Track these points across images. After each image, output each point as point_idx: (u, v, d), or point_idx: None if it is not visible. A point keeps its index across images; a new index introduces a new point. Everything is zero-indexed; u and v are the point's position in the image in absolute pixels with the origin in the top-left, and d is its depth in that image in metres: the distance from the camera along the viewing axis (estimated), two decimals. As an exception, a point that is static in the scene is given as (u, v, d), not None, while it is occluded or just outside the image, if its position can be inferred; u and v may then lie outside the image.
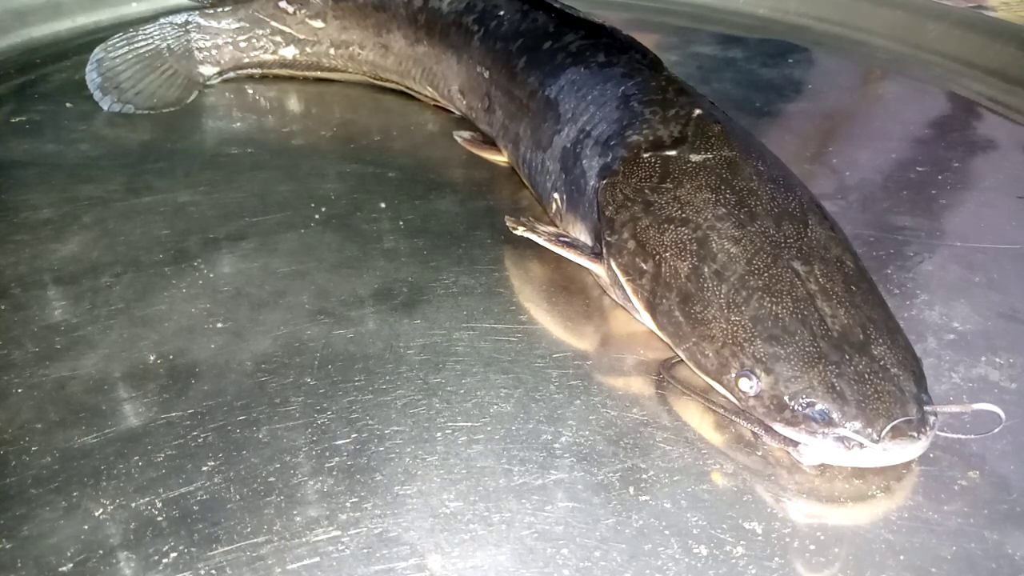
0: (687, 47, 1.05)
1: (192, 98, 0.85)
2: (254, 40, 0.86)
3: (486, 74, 0.72)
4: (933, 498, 0.43)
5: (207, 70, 0.87)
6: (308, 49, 0.87)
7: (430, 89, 0.81)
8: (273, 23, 0.85)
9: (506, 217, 0.58)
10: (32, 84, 0.88)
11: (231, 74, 0.89)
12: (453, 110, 0.82)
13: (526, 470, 0.44)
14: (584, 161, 0.57)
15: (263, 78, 0.91)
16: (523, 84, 0.67)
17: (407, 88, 0.85)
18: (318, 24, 0.85)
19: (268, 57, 0.87)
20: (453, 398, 0.48)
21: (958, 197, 0.72)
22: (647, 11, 1.17)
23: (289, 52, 0.86)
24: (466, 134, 0.76)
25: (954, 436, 0.45)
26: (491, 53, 0.72)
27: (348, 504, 0.42)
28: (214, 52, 0.86)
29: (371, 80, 0.88)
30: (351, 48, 0.86)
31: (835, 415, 0.41)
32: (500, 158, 0.72)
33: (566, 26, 0.68)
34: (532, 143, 0.64)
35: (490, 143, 0.74)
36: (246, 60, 0.88)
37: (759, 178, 0.51)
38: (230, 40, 0.86)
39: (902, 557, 0.40)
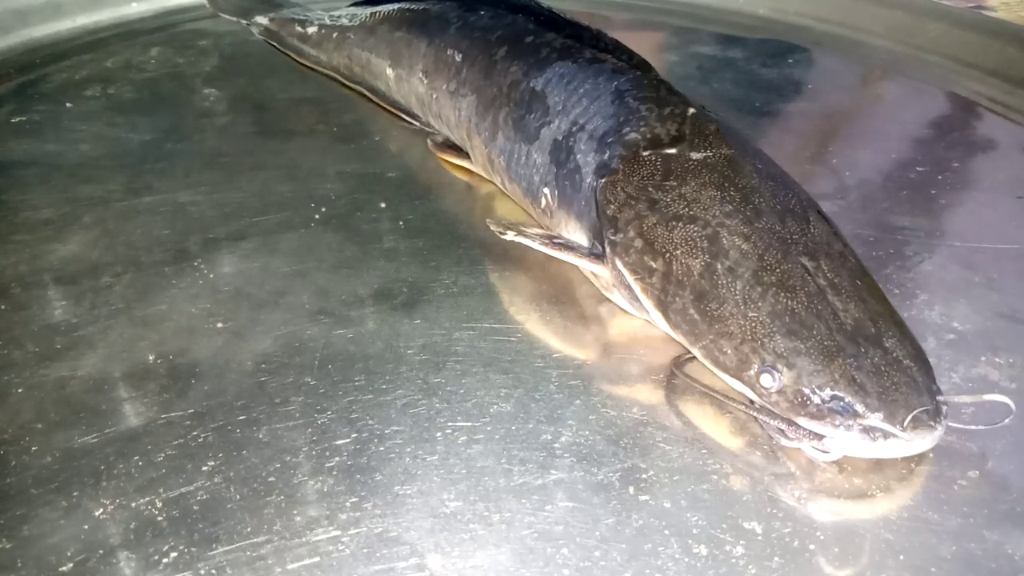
0: (687, 47, 1.05)
1: (231, 17, 1.05)
2: (297, 20, 0.97)
3: (458, 57, 0.71)
4: (933, 498, 0.43)
5: (260, 19, 1.01)
6: (322, 31, 0.91)
7: (390, 70, 0.80)
8: (318, 13, 0.96)
9: (488, 221, 0.58)
10: (32, 84, 0.88)
11: (264, 35, 1.01)
12: (406, 108, 0.80)
13: (526, 470, 0.44)
14: (578, 156, 0.57)
15: (266, 77, 0.91)
16: (504, 72, 0.66)
17: (369, 88, 0.85)
18: (343, 19, 0.90)
19: (297, 29, 0.95)
20: (453, 398, 0.48)
21: (958, 197, 0.72)
22: (647, 11, 1.17)
23: (311, 30, 0.93)
24: (438, 138, 0.76)
25: (965, 427, 0.45)
26: (467, 39, 0.71)
27: (348, 504, 0.42)
28: (275, 16, 1.00)
29: (340, 78, 0.89)
30: (346, 33, 0.87)
31: (859, 407, 0.41)
32: (463, 162, 0.71)
33: (550, 26, 0.68)
34: (513, 133, 0.63)
35: (454, 146, 0.73)
36: (282, 32, 0.98)
37: (759, 175, 0.51)
38: (289, 16, 0.98)
39: (902, 557, 0.40)
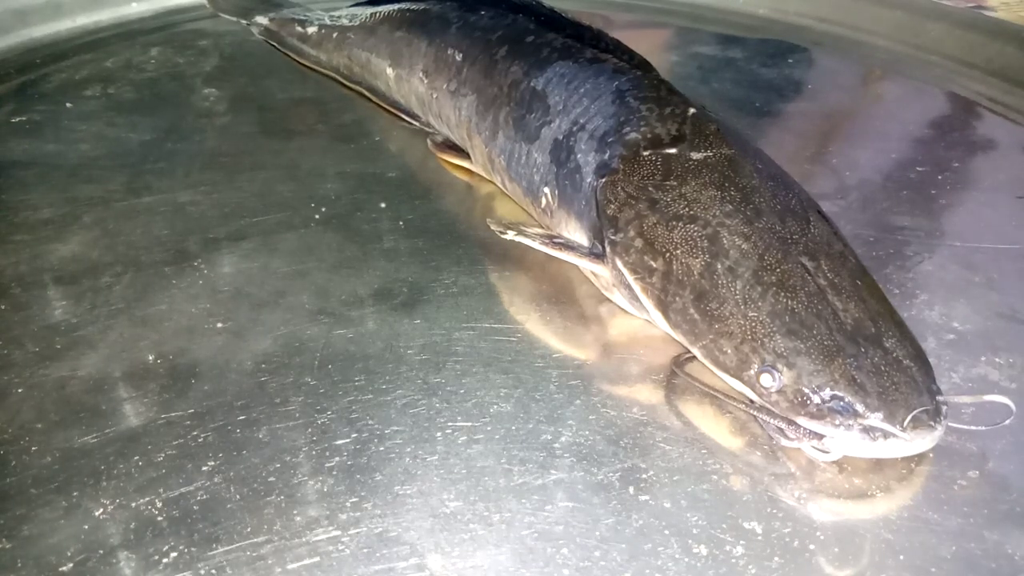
0: (687, 47, 1.05)
1: (231, 17, 1.06)
2: (297, 20, 0.97)
3: (458, 57, 0.71)
4: (933, 498, 0.43)
5: (260, 19, 1.02)
6: (322, 31, 0.91)
7: (390, 70, 0.80)
8: (318, 13, 0.97)
9: (488, 221, 0.58)
10: (32, 84, 0.88)
11: (264, 35, 1.01)
12: (406, 108, 0.81)
13: (526, 470, 0.44)
14: (579, 156, 0.57)
15: (265, 77, 0.91)
16: (504, 72, 0.66)
17: (368, 88, 0.85)
18: (343, 19, 0.90)
19: (297, 29, 0.96)
20: (453, 398, 0.48)
21: (958, 197, 0.72)
22: (647, 11, 1.17)
23: (311, 30, 0.94)
24: (438, 138, 0.76)
25: (965, 427, 0.45)
26: (467, 39, 0.71)
27: (348, 504, 0.42)
28: (275, 16, 1.01)
29: (340, 78, 0.89)
30: (347, 33, 0.87)
31: (859, 407, 0.41)
32: (463, 162, 0.72)
33: (551, 27, 0.68)
34: (514, 132, 0.63)
35: (453, 146, 0.73)
36: (282, 32, 0.98)
37: (759, 176, 0.51)
38: (289, 17, 0.99)
39: (902, 557, 0.40)
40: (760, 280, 0.46)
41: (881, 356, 0.43)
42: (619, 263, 0.51)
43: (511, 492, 0.43)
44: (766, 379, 0.44)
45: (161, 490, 0.42)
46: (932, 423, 0.42)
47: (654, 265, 0.49)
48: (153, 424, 0.46)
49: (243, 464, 0.44)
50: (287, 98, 0.87)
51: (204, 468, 0.44)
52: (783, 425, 0.44)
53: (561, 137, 0.59)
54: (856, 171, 0.75)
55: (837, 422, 0.42)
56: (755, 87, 0.93)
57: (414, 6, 0.80)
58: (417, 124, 0.80)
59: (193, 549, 0.39)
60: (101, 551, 0.39)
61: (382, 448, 0.45)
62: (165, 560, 0.39)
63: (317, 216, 0.66)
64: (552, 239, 0.56)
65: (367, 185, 0.71)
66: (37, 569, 0.39)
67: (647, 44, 1.06)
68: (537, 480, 0.43)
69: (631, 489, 0.43)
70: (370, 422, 0.47)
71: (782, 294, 0.45)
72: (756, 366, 0.44)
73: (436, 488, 0.43)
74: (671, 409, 0.48)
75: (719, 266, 0.47)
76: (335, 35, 0.89)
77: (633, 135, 0.55)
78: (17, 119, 0.80)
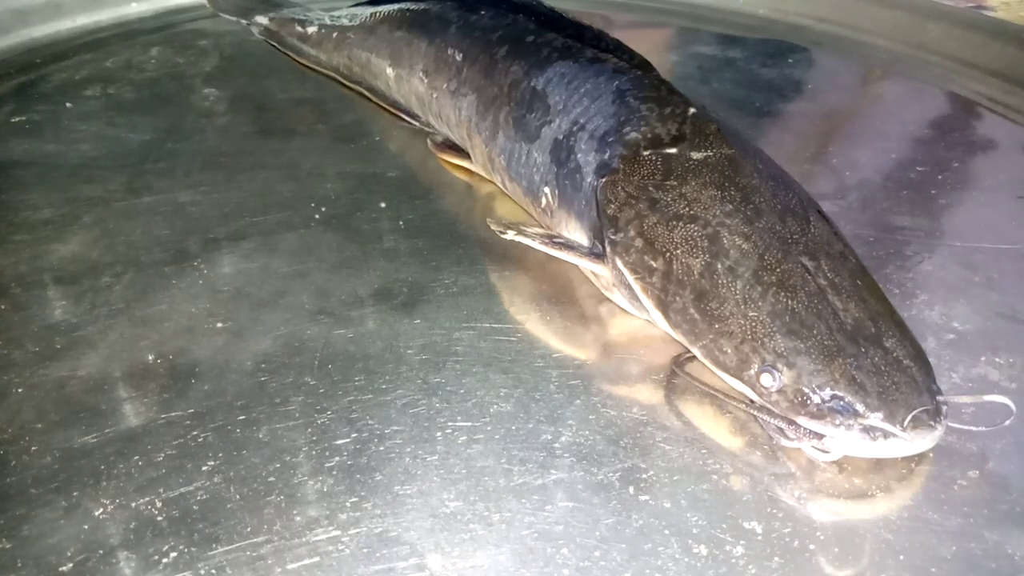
0: (687, 47, 1.05)
1: (231, 17, 1.06)
2: (297, 20, 0.97)
3: (458, 57, 0.71)
4: (933, 498, 0.43)
5: (260, 19, 1.02)
6: (322, 31, 0.92)
7: (390, 70, 0.80)
8: (318, 13, 0.97)
9: (488, 221, 0.58)
10: (32, 84, 0.88)
11: (264, 35, 1.01)
12: (406, 107, 0.81)
13: (526, 470, 0.44)
14: (579, 155, 0.57)
15: (266, 77, 0.91)
16: (504, 71, 0.66)
17: (368, 88, 0.85)
18: (343, 19, 0.90)
19: (297, 29, 0.96)
20: (453, 398, 0.48)
21: (958, 197, 0.72)
22: (647, 11, 1.17)
23: (311, 30, 0.94)
24: (438, 138, 0.76)
25: (965, 427, 0.45)
26: (467, 39, 0.71)
27: (348, 504, 0.42)
28: (275, 16, 1.01)
29: (340, 78, 0.89)
30: (347, 33, 0.88)
31: (859, 407, 0.41)
32: (463, 162, 0.72)
33: (551, 27, 0.68)
34: (514, 132, 0.63)
35: (453, 146, 0.73)
36: (282, 32, 0.98)
37: (759, 176, 0.51)
38: (289, 16, 0.99)
39: (902, 557, 0.40)
40: (760, 280, 0.46)
41: (881, 356, 0.43)
42: (619, 263, 0.51)
43: (511, 492, 0.43)
44: (766, 379, 0.44)
45: (161, 490, 0.42)
46: (932, 423, 0.42)
47: (654, 265, 0.49)
48: (153, 424, 0.46)
49: (243, 464, 0.44)
50: (287, 98, 0.87)
51: (204, 468, 0.44)
52: (783, 425, 0.44)
53: (561, 137, 0.59)
54: (856, 171, 0.75)
55: (837, 422, 0.42)
56: (755, 87, 0.93)
57: (414, 6, 0.80)
58: (417, 124, 0.80)
59: (193, 549, 0.39)
60: (101, 551, 0.39)
61: (382, 448, 0.45)
62: (165, 560, 0.39)
63: (317, 216, 0.66)
64: (552, 239, 0.56)
65: (367, 185, 0.71)
66: (37, 569, 0.39)
67: (647, 44, 1.05)
68: (537, 480, 0.43)
69: (631, 489, 0.43)
70: (370, 422, 0.47)
71: (782, 294, 0.45)
72: (756, 366, 0.44)
73: (436, 488, 0.43)
74: (671, 409, 0.48)
75: (719, 266, 0.47)
76: (335, 35, 0.89)
77: (633, 135, 0.55)
78: (17, 119, 0.80)
